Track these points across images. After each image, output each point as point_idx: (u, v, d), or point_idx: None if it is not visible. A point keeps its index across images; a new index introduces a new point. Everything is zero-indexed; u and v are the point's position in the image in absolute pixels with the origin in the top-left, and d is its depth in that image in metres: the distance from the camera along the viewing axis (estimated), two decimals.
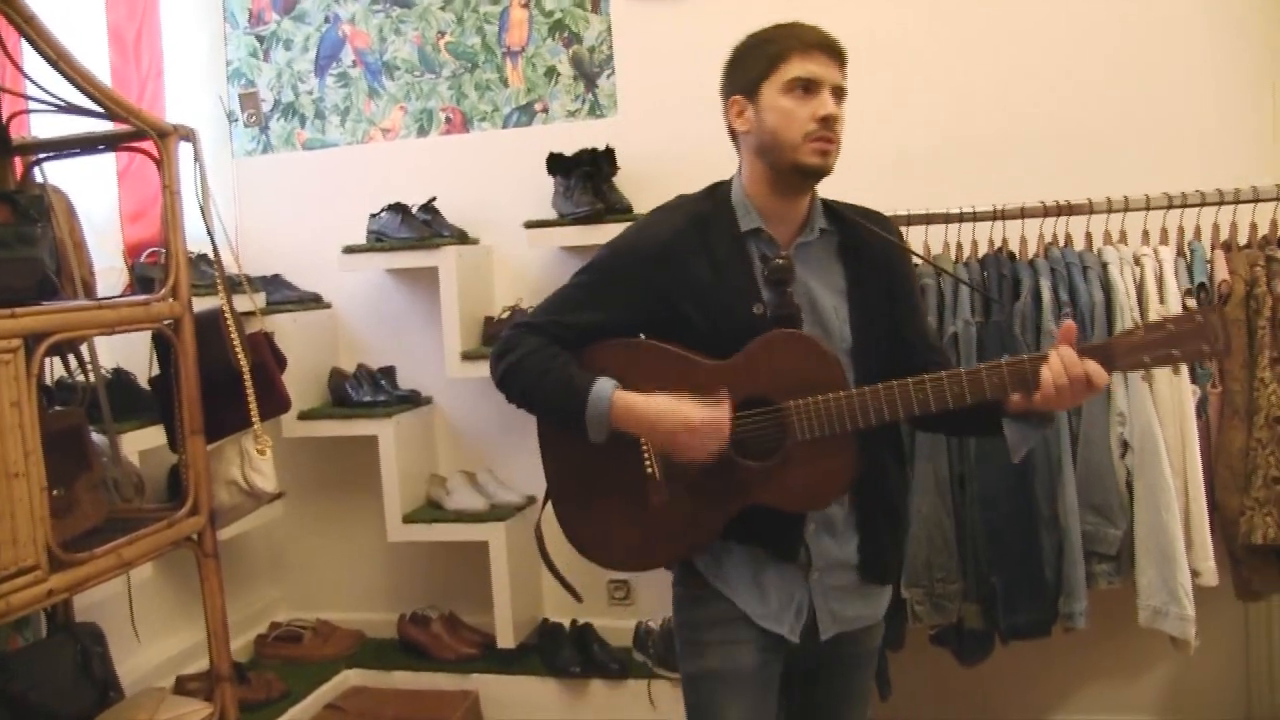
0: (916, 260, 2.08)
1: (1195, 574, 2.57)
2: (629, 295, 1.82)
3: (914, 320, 1.91)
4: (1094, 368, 1.62)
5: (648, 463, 1.79)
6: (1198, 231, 2.74)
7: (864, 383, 1.73)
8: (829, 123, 1.73)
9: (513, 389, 1.87)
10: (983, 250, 2.82)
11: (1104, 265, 2.67)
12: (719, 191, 1.88)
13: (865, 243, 1.86)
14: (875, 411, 1.69)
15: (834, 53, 1.76)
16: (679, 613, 1.95)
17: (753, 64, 1.78)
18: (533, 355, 1.82)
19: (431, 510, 3.49)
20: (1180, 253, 2.72)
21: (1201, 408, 2.64)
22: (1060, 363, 1.62)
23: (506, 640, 3.40)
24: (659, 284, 1.80)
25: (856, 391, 1.70)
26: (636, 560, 1.94)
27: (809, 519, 1.81)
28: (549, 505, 1.95)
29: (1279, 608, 2.97)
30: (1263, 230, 2.70)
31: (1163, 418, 2.59)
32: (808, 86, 1.73)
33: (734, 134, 1.86)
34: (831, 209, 1.87)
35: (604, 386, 1.76)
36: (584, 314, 1.84)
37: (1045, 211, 2.74)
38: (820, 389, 1.71)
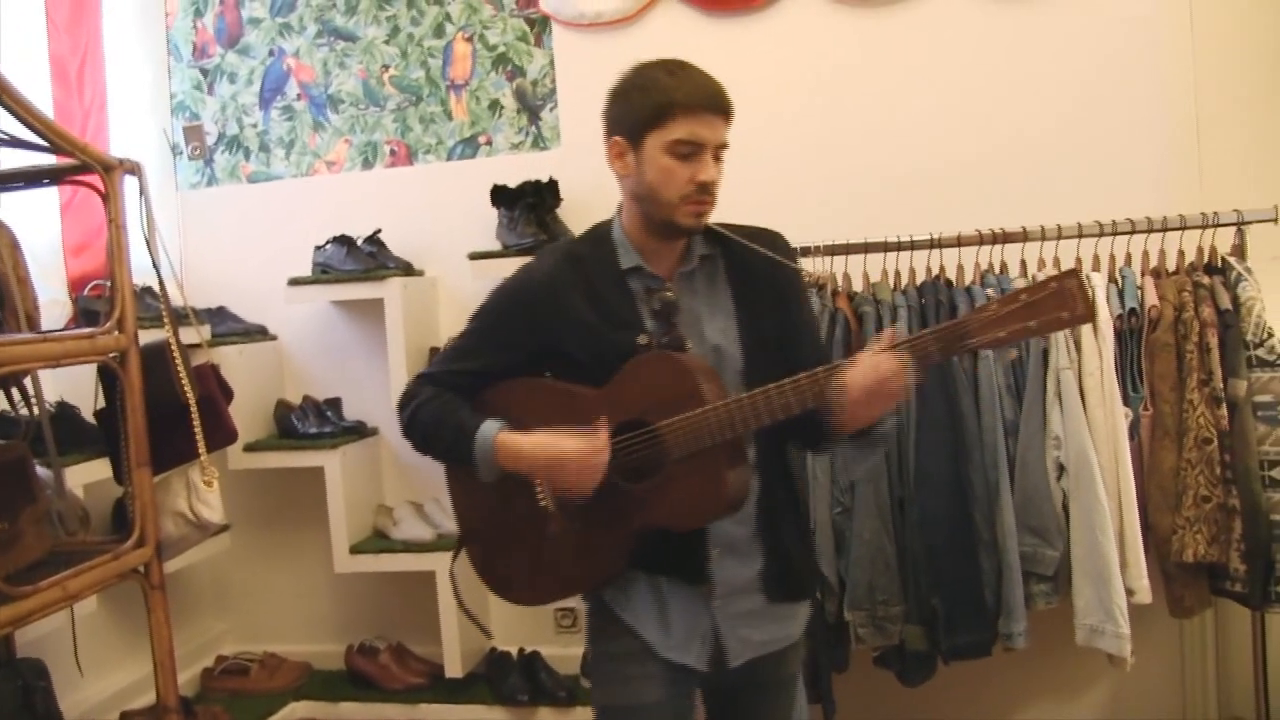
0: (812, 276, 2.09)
1: (1130, 592, 2.63)
2: (513, 338, 1.87)
3: (804, 337, 1.90)
4: (886, 360, 1.62)
5: (540, 496, 1.82)
6: (1128, 258, 2.83)
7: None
8: (707, 187, 1.74)
9: (414, 438, 1.92)
10: (920, 278, 2.89)
11: None
12: (599, 231, 1.90)
13: (751, 263, 1.85)
14: (740, 421, 1.69)
15: (721, 111, 1.75)
16: (591, 644, 1.97)
17: (638, 109, 1.75)
18: (428, 404, 1.88)
19: (378, 541, 3.48)
20: (1112, 279, 2.80)
21: (1134, 430, 2.71)
22: (864, 359, 1.63)
23: (455, 670, 3.40)
24: (540, 324, 1.83)
25: (719, 404, 1.69)
26: (544, 594, 1.95)
27: (710, 543, 1.81)
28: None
29: (1212, 623, 3.05)
30: (1189, 257, 2.79)
31: (1097, 441, 2.65)
32: (691, 150, 1.72)
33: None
34: (715, 232, 1.86)
35: (489, 429, 1.80)
36: (474, 360, 1.90)
37: (981, 239, 2.80)
38: (687, 405, 1.70)
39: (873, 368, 1.62)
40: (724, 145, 1.77)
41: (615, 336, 1.78)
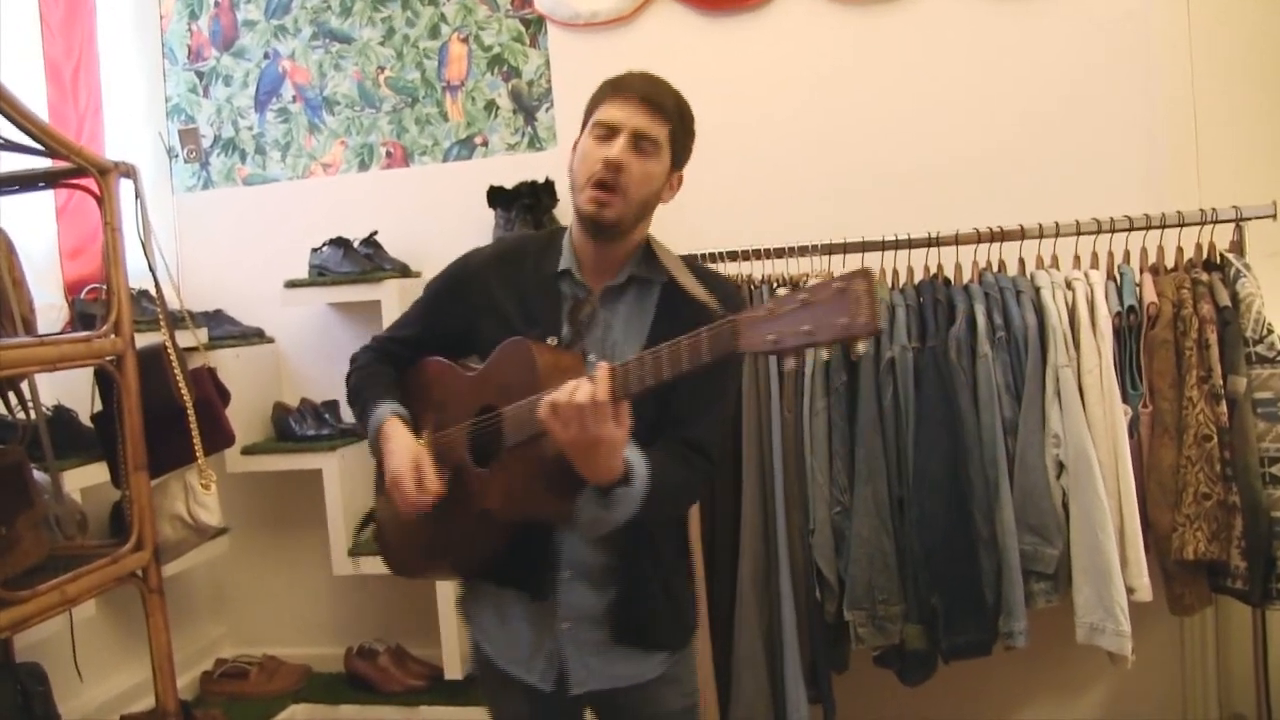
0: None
1: (1130, 590, 2.63)
2: (441, 314, 1.94)
3: (686, 401, 1.73)
4: (583, 389, 1.48)
5: None
6: (1127, 255, 2.83)
7: (638, 436, 1.60)
8: (610, 166, 1.70)
9: (350, 404, 2.00)
10: (919, 276, 2.88)
11: (1037, 289, 2.74)
12: (558, 233, 1.91)
13: (686, 305, 1.70)
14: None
15: (649, 102, 1.74)
16: (470, 656, 2.01)
17: (586, 109, 1.83)
18: (357, 373, 1.98)
19: (377, 544, 3.46)
20: (1110, 276, 2.80)
21: (1133, 427, 2.70)
22: (566, 385, 1.52)
23: (454, 671, 3.39)
24: (465, 309, 1.88)
25: (539, 396, 1.57)
26: (423, 570, 2.06)
27: (562, 564, 1.78)
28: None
29: (1212, 621, 3.05)
30: (1188, 254, 2.79)
31: (1096, 438, 2.65)
32: (608, 130, 1.74)
33: None
34: (656, 261, 1.80)
35: (381, 413, 1.86)
36: (409, 330, 2.00)
37: (979, 238, 2.80)
38: (527, 393, 1.63)
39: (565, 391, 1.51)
40: (646, 136, 1.73)
41: (528, 333, 1.76)
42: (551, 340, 1.78)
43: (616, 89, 1.76)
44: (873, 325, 1.25)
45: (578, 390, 1.49)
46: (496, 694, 1.94)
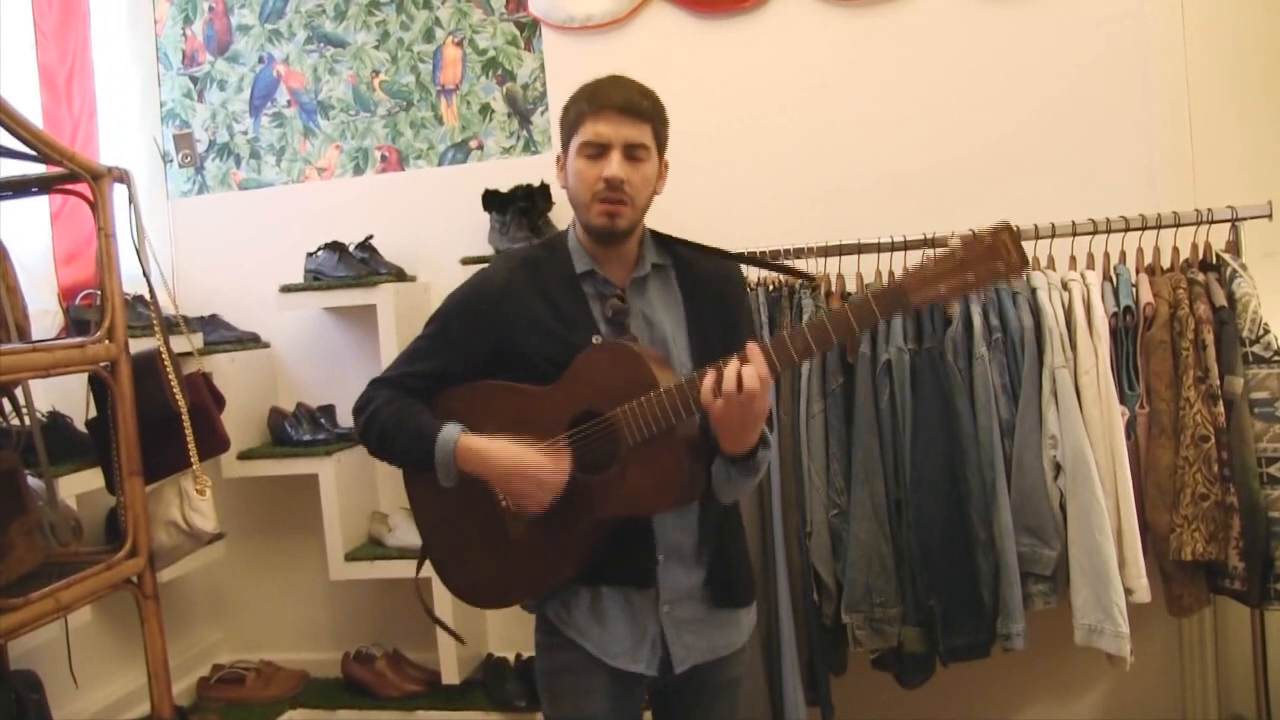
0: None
1: (1129, 591, 2.62)
2: (468, 341, 1.89)
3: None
4: (747, 371, 1.61)
5: (501, 496, 1.83)
6: (1123, 256, 2.82)
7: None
8: (613, 184, 1.77)
9: (370, 441, 1.93)
10: None
11: (1033, 290, 2.73)
12: (556, 238, 1.95)
13: (701, 276, 1.92)
14: (684, 405, 1.69)
15: (630, 112, 1.78)
16: (538, 660, 1.98)
17: (564, 125, 1.85)
18: (386, 407, 1.90)
19: (373, 547, 3.47)
20: (1106, 277, 2.79)
21: (1130, 428, 2.70)
22: (728, 368, 1.62)
23: (451, 676, 3.38)
24: (497, 326, 1.86)
25: (672, 386, 1.69)
26: (508, 597, 1.97)
27: (657, 549, 1.84)
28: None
29: (1211, 621, 3.04)
30: (1184, 254, 2.78)
31: (1093, 439, 2.64)
32: (598, 149, 1.78)
33: None
34: (666, 242, 1.94)
35: (450, 432, 1.81)
36: (430, 362, 1.92)
37: None
38: (639, 390, 1.71)
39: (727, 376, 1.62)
40: (636, 145, 1.79)
41: (571, 337, 1.81)
42: (596, 338, 1.81)
43: (595, 105, 1.78)
44: (1020, 265, 1.54)
45: (745, 372, 1.60)
46: (571, 695, 1.92)
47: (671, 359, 1.84)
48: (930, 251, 1.59)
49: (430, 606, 2.11)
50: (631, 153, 1.78)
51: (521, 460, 1.76)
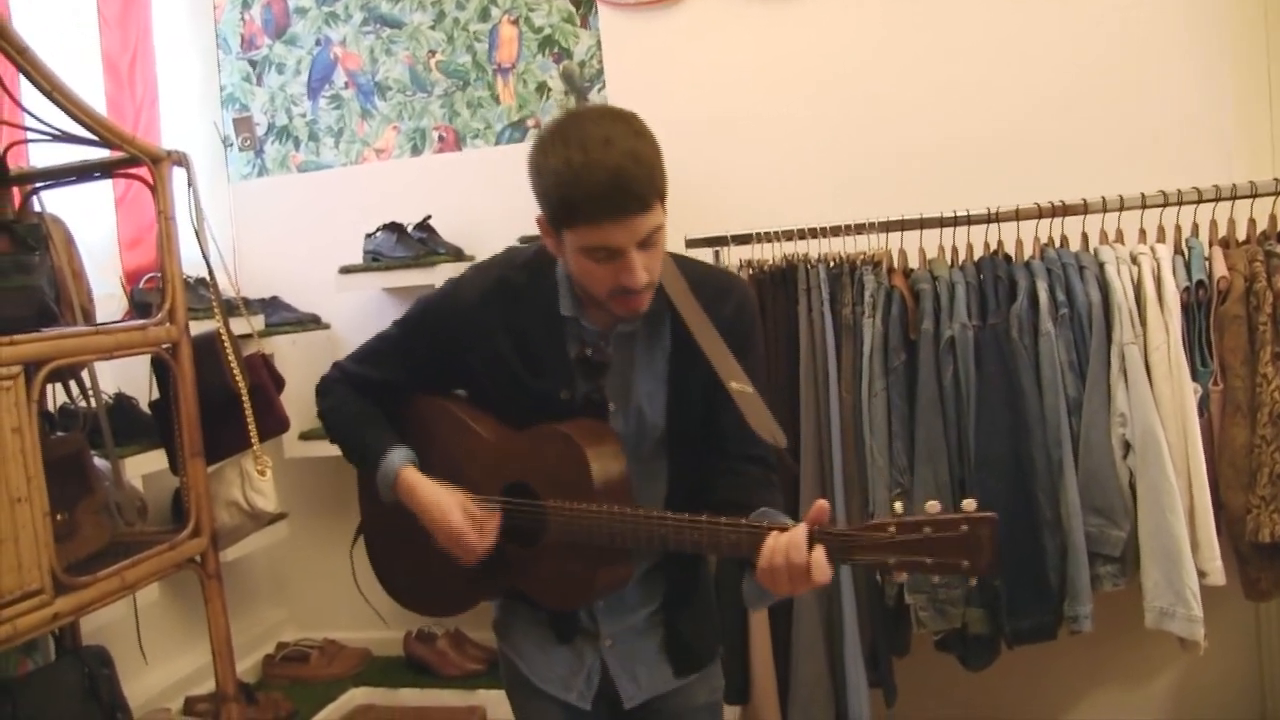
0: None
1: (1202, 574, 2.55)
2: (426, 355, 1.80)
3: (732, 411, 1.63)
4: (818, 558, 1.41)
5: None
6: (1195, 228, 2.73)
7: (676, 475, 1.68)
8: (636, 287, 1.54)
9: (327, 430, 1.92)
10: (978, 253, 2.82)
11: (1101, 265, 2.67)
12: (541, 261, 1.72)
13: (708, 301, 1.68)
14: (621, 537, 1.59)
15: (633, 206, 1.47)
16: (500, 668, 1.96)
17: (545, 201, 1.56)
18: (341, 408, 1.87)
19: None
20: (1178, 250, 2.71)
21: (1203, 405, 2.63)
22: (782, 543, 1.44)
23: None
24: (455, 351, 1.75)
25: (607, 510, 1.59)
26: (426, 607, 2.02)
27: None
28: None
29: None
30: (1261, 226, 2.69)
31: (1164, 417, 2.57)
32: (608, 255, 1.51)
33: None
34: (660, 290, 1.64)
35: (393, 461, 1.77)
36: (385, 370, 1.85)
37: (1040, 213, 2.73)
38: (579, 495, 1.62)
39: (784, 553, 1.44)
40: (651, 232, 1.51)
41: (536, 386, 1.69)
42: (565, 394, 1.68)
43: (596, 209, 1.47)
44: (990, 570, 1.34)
45: (816, 559, 1.42)
46: (525, 707, 1.88)
47: (644, 420, 1.70)
48: (898, 510, 1.41)
49: (357, 579, 2.15)
50: (646, 241, 1.51)
51: (449, 524, 1.70)
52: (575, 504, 1.62)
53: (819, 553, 1.41)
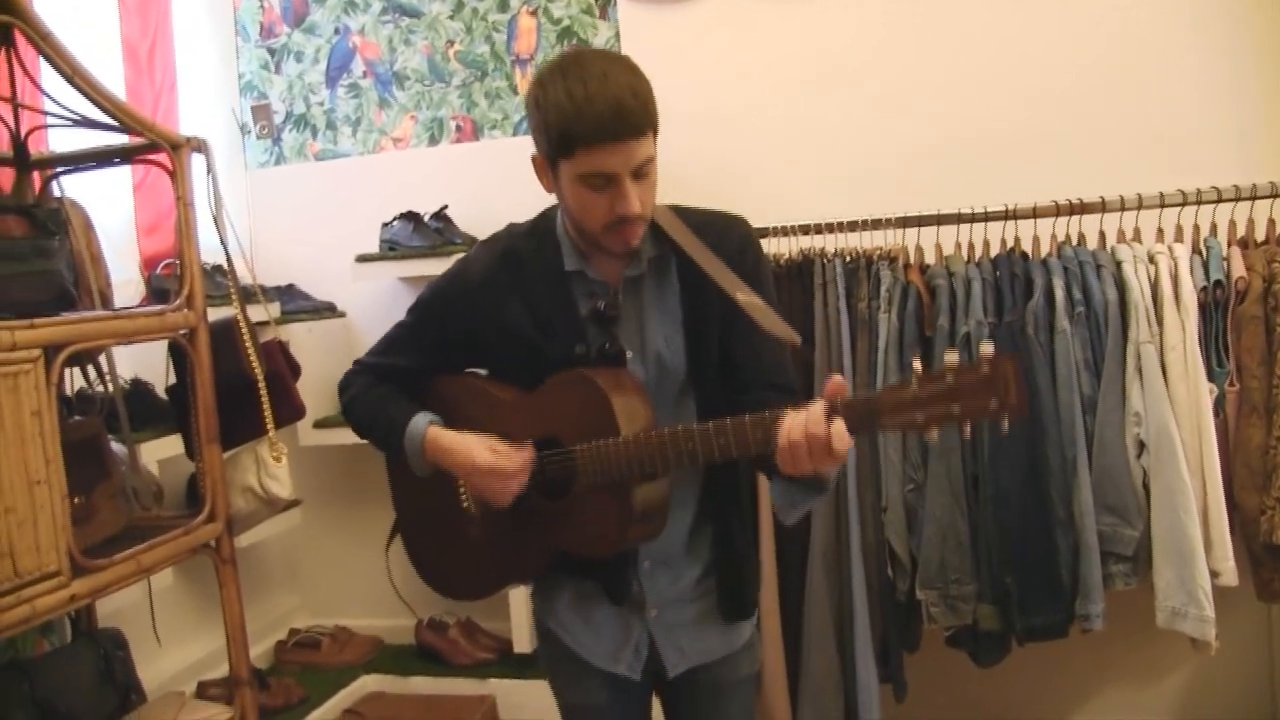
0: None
1: (1215, 574, 2.55)
2: (441, 338, 1.82)
3: (747, 342, 1.70)
4: (838, 428, 1.40)
5: (463, 497, 1.81)
6: (1213, 228, 2.72)
7: (706, 415, 1.60)
8: (631, 219, 1.59)
9: (353, 425, 1.92)
10: (995, 250, 2.81)
11: (1118, 264, 2.66)
12: (544, 224, 1.77)
13: (714, 242, 1.71)
14: (650, 462, 1.59)
15: (630, 134, 1.53)
16: (539, 645, 1.96)
17: (545, 133, 1.59)
18: (364, 395, 1.88)
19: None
20: (1196, 250, 2.70)
21: (1219, 406, 2.62)
22: (800, 418, 1.44)
23: (523, 645, 3.41)
24: (469, 329, 1.77)
25: (631, 439, 1.59)
26: (468, 590, 1.97)
27: (642, 555, 1.76)
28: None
29: None
30: None
31: (1179, 417, 2.57)
32: (604, 181, 1.56)
33: None
34: (663, 233, 1.70)
35: (419, 423, 1.78)
36: (404, 356, 1.88)
37: (1058, 210, 2.73)
38: (601, 433, 1.61)
39: (802, 428, 1.43)
40: (644, 162, 1.56)
41: (551, 346, 1.70)
42: (580, 349, 1.69)
43: (590, 133, 1.52)
44: (1019, 408, 1.32)
45: (836, 430, 1.41)
46: (569, 681, 1.89)
47: (664, 365, 1.71)
48: (917, 369, 1.39)
49: (391, 577, 2.16)
50: (639, 170, 1.57)
51: (478, 462, 1.69)
52: (598, 442, 1.62)
53: (839, 424, 1.40)
